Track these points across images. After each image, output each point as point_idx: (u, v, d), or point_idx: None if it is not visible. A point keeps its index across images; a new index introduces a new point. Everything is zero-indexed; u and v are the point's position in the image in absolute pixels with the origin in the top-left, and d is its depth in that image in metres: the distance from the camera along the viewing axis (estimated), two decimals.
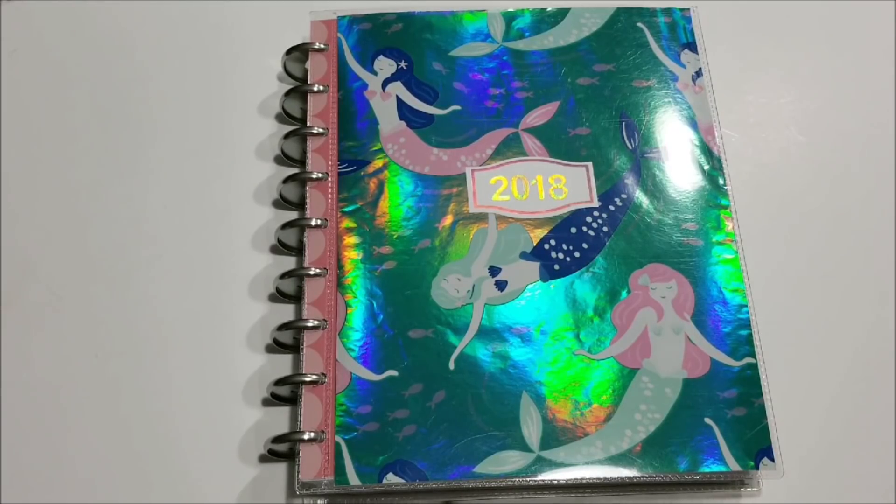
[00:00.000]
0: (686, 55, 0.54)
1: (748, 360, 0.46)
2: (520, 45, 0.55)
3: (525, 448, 0.44)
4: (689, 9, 0.56)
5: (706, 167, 0.51)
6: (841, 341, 0.50)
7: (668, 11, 0.56)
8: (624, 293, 0.48)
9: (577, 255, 0.49)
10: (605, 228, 0.49)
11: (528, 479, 0.44)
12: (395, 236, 0.49)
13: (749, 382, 0.46)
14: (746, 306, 0.48)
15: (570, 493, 0.46)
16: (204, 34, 0.59)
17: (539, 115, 0.52)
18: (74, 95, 0.56)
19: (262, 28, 0.59)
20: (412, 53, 0.54)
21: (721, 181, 0.51)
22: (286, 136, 0.52)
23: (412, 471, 0.44)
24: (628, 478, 0.44)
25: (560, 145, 0.51)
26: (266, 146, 0.55)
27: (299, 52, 0.54)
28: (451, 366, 0.46)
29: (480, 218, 0.50)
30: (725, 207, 0.50)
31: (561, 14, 0.56)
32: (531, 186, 0.50)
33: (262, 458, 0.47)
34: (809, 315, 0.51)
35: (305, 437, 0.44)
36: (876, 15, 0.60)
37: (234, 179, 0.54)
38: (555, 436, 0.44)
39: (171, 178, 0.54)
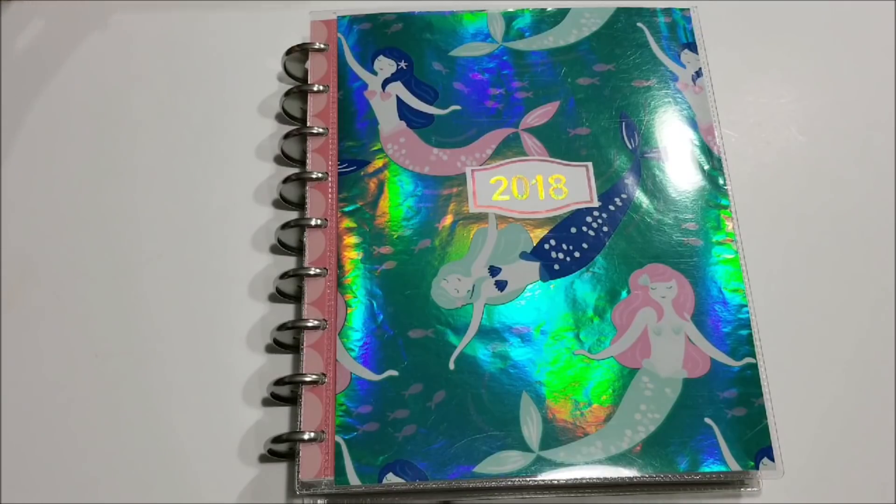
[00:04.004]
0: (686, 55, 0.54)
1: (748, 360, 0.46)
2: (520, 45, 0.55)
3: (525, 448, 0.44)
4: (689, 9, 0.56)
5: (706, 167, 0.51)
6: (841, 341, 0.50)
7: (668, 11, 0.56)
8: (624, 293, 0.48)
9: (577, 255, 0.49)
10: (605, 228, 0.49)
11: (528, 479, 0.44)
12: (395, 236, 0.49)
13: (749, 382, 0.46)
14: (746, 306, 0.48)
15: (570, 493, 0.46)
16: (204, 34, 0.58)
17: (539, 115, 0.52)
18: (74, 95, 0.56)
19: (262, 28, 0.59)
20: (412, 53, 0.54)
21: (721, 181, 0.51)
22: (286, 136, 0.52)
23: (412, 471, 0.44)
24: (628, 478, 0.44)
25: (560, 145, 0.51)
26: (266, 146, 0.55)
27: (299, 52, 0.54)
28: (451, 366, 0.46)
29: (480, 218, 0.50)
30: (725, 207, 0.50)
31: (561, 14, 0.56)
32: (531, 186, 0.50)
33: (262, 458, 0.47)
34: (809, 315, 0.51)
35: (305, 437, 0.44)
36: (876, 15, 0.60)
37: (234, 179, 0.54)
38: (555, 436, 0.44)
39: (172, 177, 0.54)
